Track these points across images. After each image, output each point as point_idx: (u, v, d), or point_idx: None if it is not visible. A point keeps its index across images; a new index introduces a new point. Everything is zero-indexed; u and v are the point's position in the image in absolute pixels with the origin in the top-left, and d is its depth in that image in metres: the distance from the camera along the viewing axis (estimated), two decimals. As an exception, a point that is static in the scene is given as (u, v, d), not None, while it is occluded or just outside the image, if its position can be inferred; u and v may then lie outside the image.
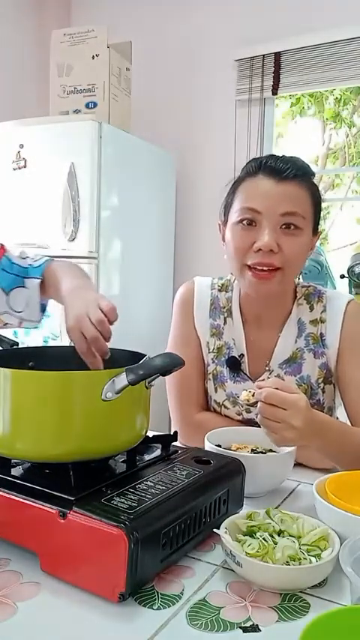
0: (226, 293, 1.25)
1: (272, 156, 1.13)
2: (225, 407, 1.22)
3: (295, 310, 1.19)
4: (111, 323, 0.86)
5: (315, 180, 1.13)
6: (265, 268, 1.07)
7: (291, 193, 1.07)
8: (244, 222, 1.08)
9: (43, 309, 1.13)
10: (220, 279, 1.28)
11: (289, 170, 1.07)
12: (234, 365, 1.19)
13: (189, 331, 1.25)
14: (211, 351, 1.23)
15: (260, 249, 1.06)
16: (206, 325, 1.24)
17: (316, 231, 1.14)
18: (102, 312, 0.85)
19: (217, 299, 1.25)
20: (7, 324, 1.12)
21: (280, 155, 1.13)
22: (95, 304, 0.86)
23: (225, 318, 1.23)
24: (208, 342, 1.24)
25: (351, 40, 2.58)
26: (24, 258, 1.13)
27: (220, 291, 1.26)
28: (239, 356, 1.20)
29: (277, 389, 0.88)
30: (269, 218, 1.06)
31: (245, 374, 1.19)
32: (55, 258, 1.15)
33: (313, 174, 1.13)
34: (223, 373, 1.21)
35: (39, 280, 1.09)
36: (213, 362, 1.23)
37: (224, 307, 1.24)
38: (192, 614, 0.63)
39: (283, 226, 1.06)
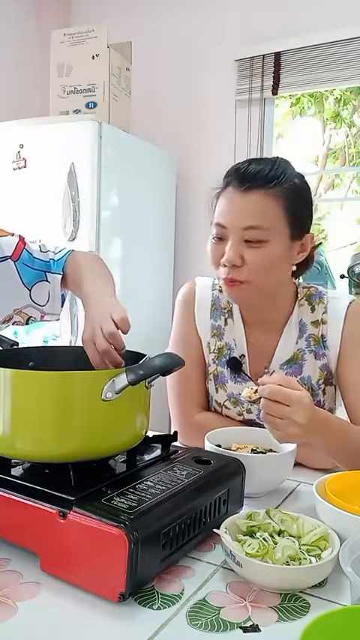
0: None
1: (247, 161, 1.10)
2: (226, 407, 1.22)
3: (297, 311, 1.19)
4: (124, 333, 0.86)
5: (297, 181, 1.08)
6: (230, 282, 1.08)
7: (254, 205, 1.05)
8: (215, 236, 1.09)
9: (62, 300, 1.13)
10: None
11: (253, 179, 1.04)
12: (235, 366, 1.19)
13: (190, 331, 1.25)
14: (211, 351, 1.23)
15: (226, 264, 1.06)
16: (207, 326, 1.24)
17: (298, 235, 1.09)
18: (114, 323, 0.85)
19: (218, 300, 1.25)
20: (30, 317, 1.12)
21: (258, 158, 1.11)
22: (108, 315, 0.86)
23: (226, 319, 1.23)
24: (209, 343, 1.24)
25: (351, 40, 2.58)
26: (45, 252, 1.13)
27: (221, 291, 1.25)
28: (240, 357, 1.20)
29: (280, 385, 0.88)
30: (233, 232, 1.06)
31: (246, 374, 1.19)
32: (76, 250, 1.14)
33: (290, 176, 1.07)
34: (224, 374, 1.21)
35: (60, 276, 1.10)
36: (214, 362, 1.23)
37: (225, 308, 1.24)
38: (192, 614, 0.63)
39: (247, 240, 1.05)
